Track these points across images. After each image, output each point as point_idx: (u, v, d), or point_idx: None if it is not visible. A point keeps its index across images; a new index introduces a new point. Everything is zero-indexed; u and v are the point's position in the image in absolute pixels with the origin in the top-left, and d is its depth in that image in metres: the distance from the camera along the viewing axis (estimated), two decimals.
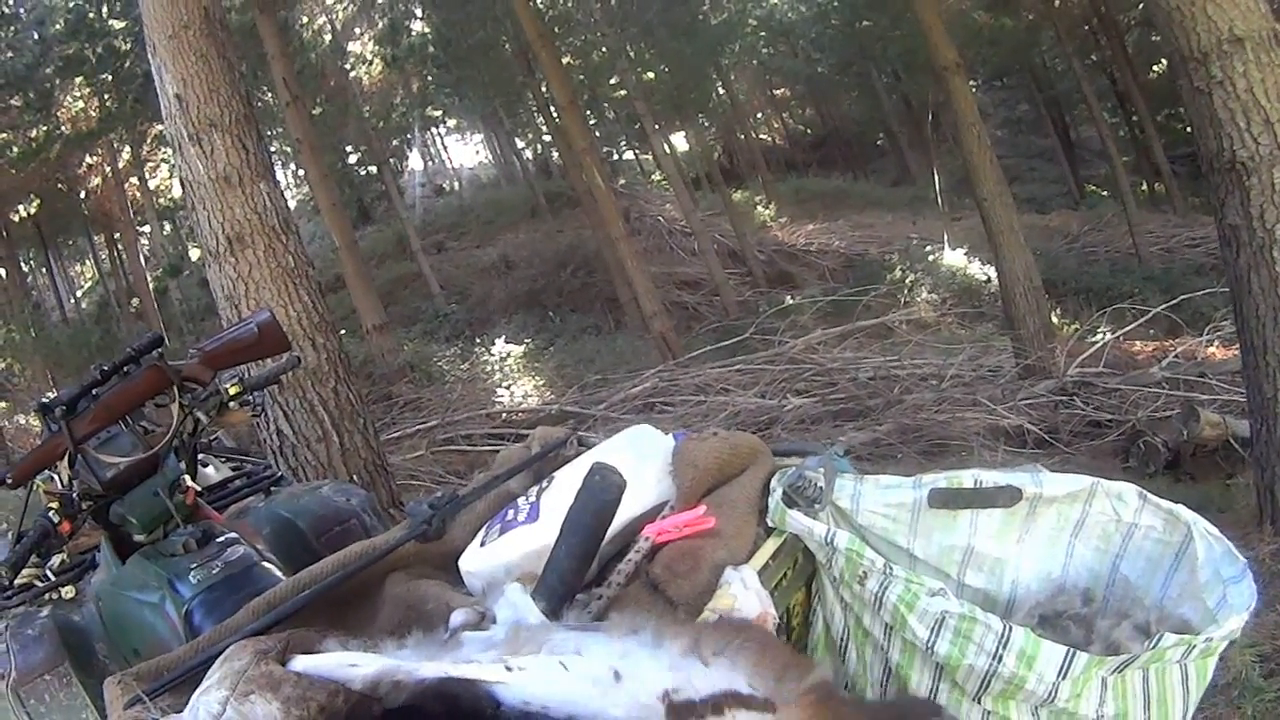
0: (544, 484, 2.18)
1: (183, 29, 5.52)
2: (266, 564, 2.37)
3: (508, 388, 13.93)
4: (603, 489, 1.76)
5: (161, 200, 25.50)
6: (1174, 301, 10.67)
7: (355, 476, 5.63)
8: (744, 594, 1.76)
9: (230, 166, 5.51)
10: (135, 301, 24.76)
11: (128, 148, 22.39)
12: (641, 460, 2.16)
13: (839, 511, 2.25)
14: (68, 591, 2.66)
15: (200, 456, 3.30)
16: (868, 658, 2.07)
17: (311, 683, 1.45)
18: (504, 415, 11.43)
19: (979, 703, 1.90)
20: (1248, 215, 4.43)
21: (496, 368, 15.22)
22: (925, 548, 2.26)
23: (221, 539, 2.39)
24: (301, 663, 1.51)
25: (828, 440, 7.98)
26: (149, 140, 21.66)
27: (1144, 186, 23.80)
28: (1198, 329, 10.07)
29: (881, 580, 1.92)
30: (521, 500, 2.17)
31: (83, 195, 22.99)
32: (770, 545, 1.99)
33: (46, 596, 2.72)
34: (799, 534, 2.02)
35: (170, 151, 5.82)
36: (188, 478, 2.51)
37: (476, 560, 2.06)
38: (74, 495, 2.36)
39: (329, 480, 4.81)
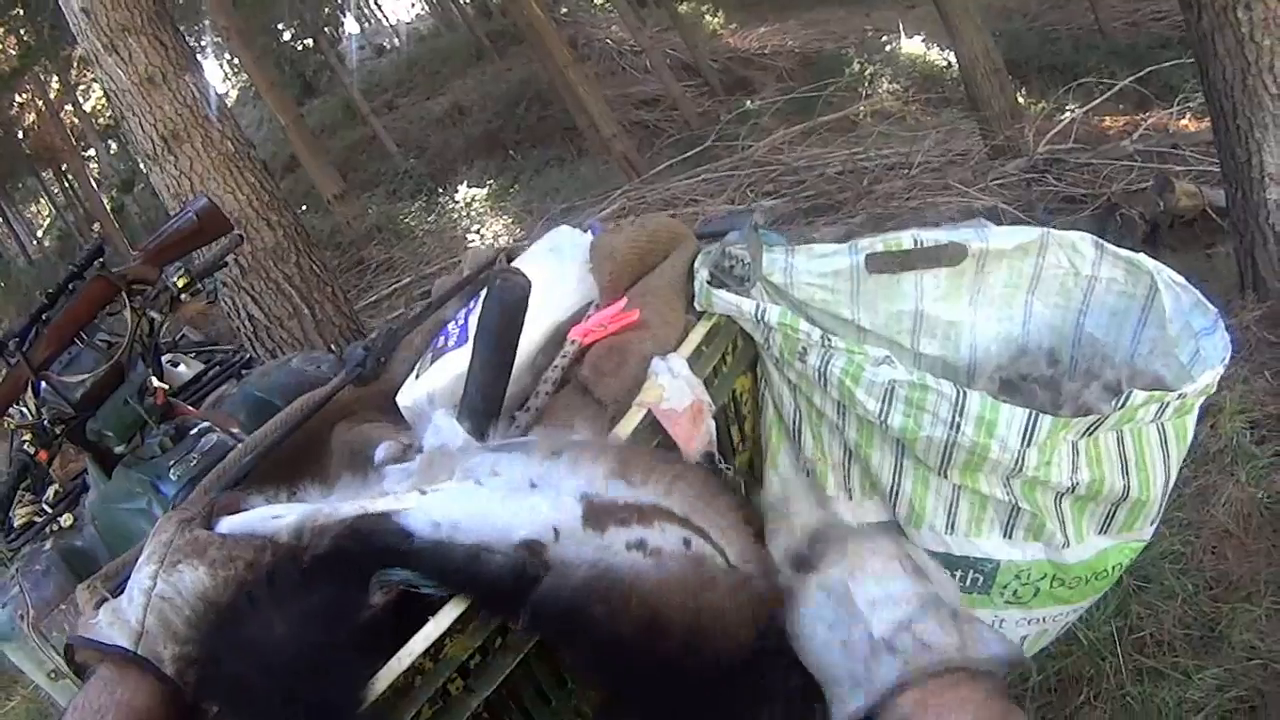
0: (471, 304, 2.06)
1: None
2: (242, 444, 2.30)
3: (478, 232, 13.76)
4: (505, 292, 1.63)
5: (101, 120, 24.86)
6: (1141, 74, 10.38)
7: (332, 346, 5.53)
8: (672, 383, 1.65)
9: (152, 67, 5.31)
10: (96, 226, 24.37)
11: (55, 77, 21.63)
12: (562, 262, 2.05)
13: (772, 287, 2.12)
14: (66, 520, 2.62)
15: (170, 356, 3.37)
16: (825, 439, 1.96)
17: (237, 542, 1.43)
18: None
19: (946, 477, 1.80)
20: None
21: (463, 214, 15.03)
22: (872, 317, 2.13)
23: (195, 431, 2.33)
24: (227, 523, 1.49)
25: (749, 209, 7.88)
26: (75, 65, 21.06)
27: None
28: (1168, 102, 9.81)
29: (822, 354, 1.79)
30: (451, 325, 2.06)
31: (20, 135, 22.34)
32: (700, 330, 1.86)
33: (49, 530, 2.66)
34: (729, 314, 1.88)
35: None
36: (154, 379, 2.45)
37: (412, 393, 1.97)
38: (44, 423, 2.33)
39: (296, 353, 4.76)
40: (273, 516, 1.48)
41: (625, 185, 11.55)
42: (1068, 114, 9.94)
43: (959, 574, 1.91)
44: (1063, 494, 1.78)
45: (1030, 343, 2.14)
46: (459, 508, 1.38)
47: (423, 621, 1.33)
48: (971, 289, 2.11)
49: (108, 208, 23.90)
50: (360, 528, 1.38)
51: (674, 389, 1.64)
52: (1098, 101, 10.21)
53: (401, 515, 1.38)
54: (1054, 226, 5.73)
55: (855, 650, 1.31)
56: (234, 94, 28.56)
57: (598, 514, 1.35)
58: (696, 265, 2.00)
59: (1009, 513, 1.82)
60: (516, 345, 1.68)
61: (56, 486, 2.88)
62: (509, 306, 1.63)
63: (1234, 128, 4.32)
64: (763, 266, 2.03)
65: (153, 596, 1.37)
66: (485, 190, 15.99)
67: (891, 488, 1.89)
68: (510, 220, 13.62)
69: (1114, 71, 12.41)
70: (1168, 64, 10.59)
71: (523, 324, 1.67)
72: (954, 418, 1.67)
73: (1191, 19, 4.35)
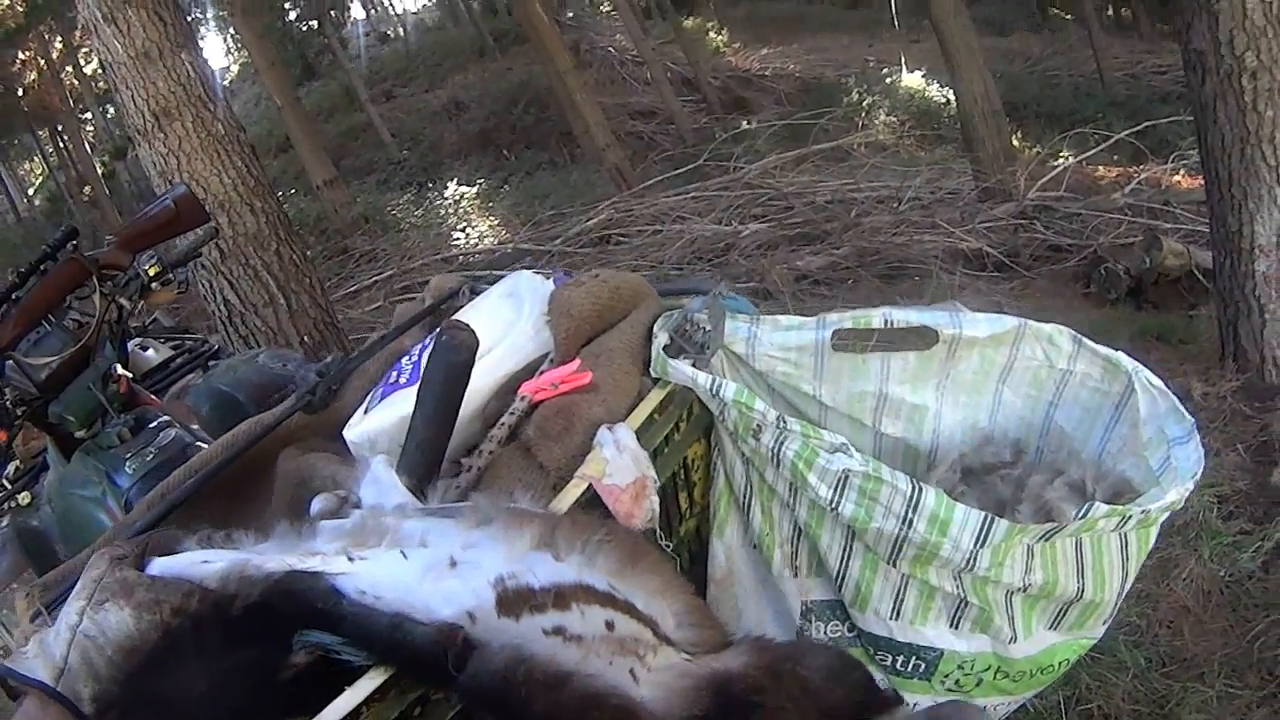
0: (429, 340, 1.98)
1: None
2: (200, 443, 2.30)
3: (463, 230, 13.63)
4: (450, 350, 1.57)
5: (100, 85, 24.28)
6: (1138, 128, 10.28)
7: (305, 337, 5.53)
8: (617, 457, 1.59)
9: (149, 41, 5.21)
10: (87, 189, 24.32)
11: (59, 37, 21.51)
12: (519, 309, 1.99)
13: (733, 357, 2.07)
14: (24, 498, 2.61)
15: (139, 341, 3.36)
16: (774, 514, 1.90)
17: (165, 585, 1.42)
18: (460, 258, 11.10)
19: (895, 566, 1.76)
20: (1215, 41, 4.12)
21: (451, 211, 14.90)
22: (834, 394, 2.07)
23: (154, 424, 2.35)
24: (158, 565, 1.49)
25: (716, 277, 7.81)
26: (79, 27, 20.83)
27: (1109, 11, 23.32)
28: (1163, 156, 9.77)
29: (776, 434, 1.74)
30: (405, 360, 2.01)
31: (20, 92, 22.09)
32: (654, 397, 1.81)
33: (5, 506, 2.71)
34: (684, 384, 1.83)
35: None
36: (119, 366, 2.45)
37: (359, 429, 1.91)
38: (6, 403, 2.34)
39: (265, 348, 4.72)
40: (202, 561, 1.45)
41: (614, 196, 11.49)
42: (1061, 161, 9.93)
43: (900, 659, 1.88)
44: (1014, 592, 1.74)
45: (996, 431, 2.10)
46: (383, 579, 1.34)
47: (340, 688, 1.29)
48: (940, 374, 2.06)
49: (99, 172, 23.79)
50: (288, 586, 1.36)
51: (618, 463, 1.58)
52: (1093, 152, 10.19)
53: (330, 577, 1.35)
54: (1038, 276, 5.70)
55: None
56: (235, 70, 28.36)
57: (511, 601, 1.31)
58: (656, 328, 1.95)
59: (957, 605, 1.78)
60: (459, 403, 1.62)
61: (17, 463, 2.84)
62: (454, 365, 1.57)
63: (1228, 196, 4.27)
64: (724, 335, 1.98)
65: (78, 633, 1.36)
66: (475, 189, 15.85)
67: (839, 570, 1.84)
68: (497, 222, 13.49)
69: (1111, 122, 12.43)
70: (1166, 120, 10.59)
71: (467, 382, 1.61)
72: (907, 513, 1.63)
73: (1195, 82, 4.31)
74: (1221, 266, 4.49)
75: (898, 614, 1.83)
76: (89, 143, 25.20)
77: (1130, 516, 1.61)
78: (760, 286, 7.69)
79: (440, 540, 1.41)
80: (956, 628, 1.82)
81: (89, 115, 26.43)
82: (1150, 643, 3.11)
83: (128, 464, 2.21)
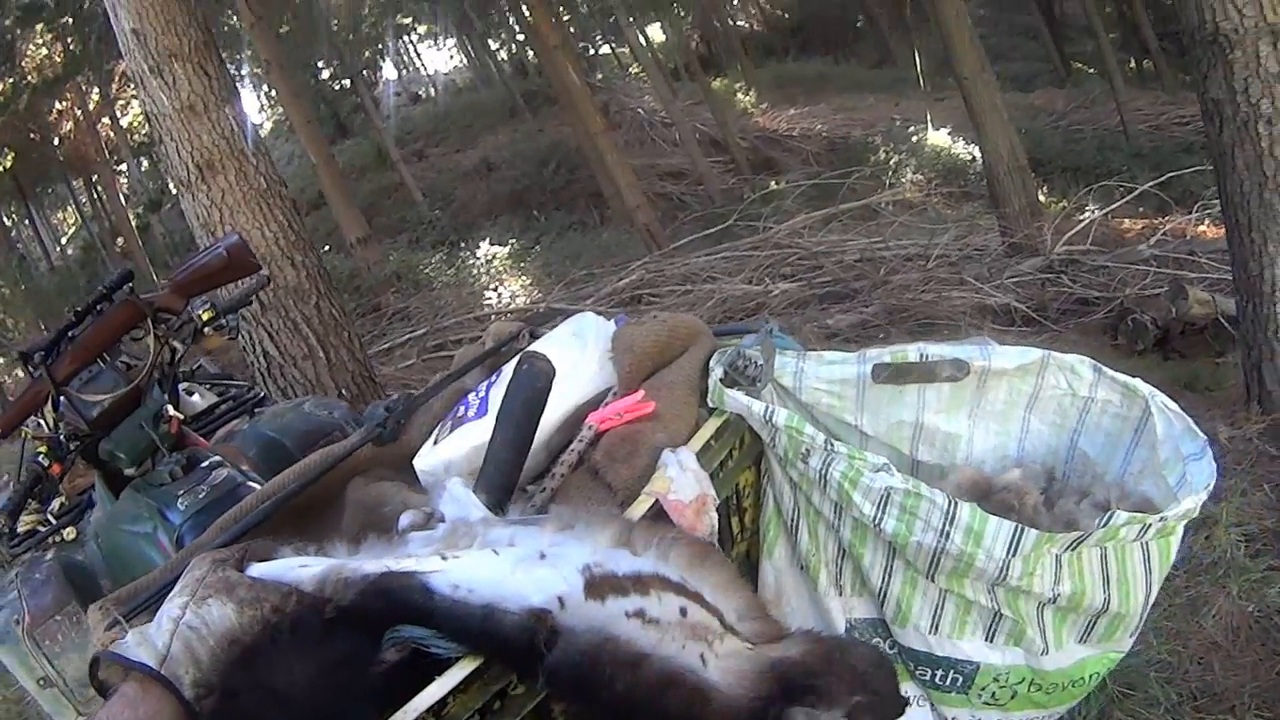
0: (493, 378, 2.15)
1: None
2: (251, 483, 2.34)
3: (495, 289, 13.63)
4: (531, 377, 1.72)
5: (136, 137, 24.37)
6: (1162, 179, 10.31)
7: (343, 390, 5.58)
8: (680, 476, 1.73)
9: (194, 95, 5.33)
10: (120, 241, 24.27)
11: (96, 89, 21.42)
12: (584, 348, 2.13)
13: (782, 390, 2.22)
14: (69, 533, 2.67)
15: (185, 385, 3.39)
16: (820, 536, 2.04)
17: (265, 585, 1.52)
18: (493, 317, 11.10)
19: (934, 581, 1.88)
20: (1230, 90, 4.23)
21: (483, 270, 14.93)
22: (874, 424, 2.23)
23: (206, 464, 2.40)
24: (257, 569, 1.58)
25: (765, 318, 7.86)
26: (116, 79, 20.75)
27: (1131, 64, 23.09)
28: (1187, 207, 9.78)
29: (824, 457, 1.88)
30: (472, 396, 2.15)
31: (56, 141, 22.23)
32: (711, 425, 1.96)
33: (50, 540, 2.72)
34: (739, 412, 1.97)
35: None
36: (170, 407, 2.52)
37: (430, 459, 2.05)
38: (60, 437, 2.39)
39: (310, 396, 4.78)
40: (300, 565, 1.56)
41: (645, 257, 11.59)
42: (1087, 215, 9.97)
43: (939, 673, 1.99)
44: (1045, 603, 1.85)
45: (1025, 458, 2.23)
46: (477, 573, 1.45)
47: (429, 680, 1.40)
48: (972, 403, 2.21)
49: (133, 224, 23.85)
50: (384, 584, 1.46)
51: (682, 481, 1.72)
52: (1118, 204, 10.23)
53: (424, 575, 1.46)
54: (1066, 329, 5.73)
55: None
56: (268, 126, 28.55)
57: (598, 585, 1.43)
58: (712, 363, 2.11)
59: (992, 618, 1.90)
60: (536, 427, 1.77)
61: (62, 499, 2.96)
62: (533, 392, 1.72)
63: (1248, 241, 4.33)
64: (774, 369, 2.14)
65: (180, 625, 1.45)
66: (507, 249, 15.91)
67: (881, 587, 1.97)
68: (529, 281, 13.54)
69: (1135, 174, 12.45)
70: (1189, 170, 10.62)
71: (544, 407, 1.75)
72: (944, 526, 1.76)
73: (1213, 131, 4.38)
74: (1244, 311, 4.56)
75: (936, 628, 1.95)
76: (123, 194, 25.26)
77: (1150, 525, 1.74)
78: None
79: (528, 540, 1.53)
80: (992, 641, 1.93)
81: (124, 167, 26.52)
82: (1181, 679, 3.15)
83: (180, 500, 2.26)
